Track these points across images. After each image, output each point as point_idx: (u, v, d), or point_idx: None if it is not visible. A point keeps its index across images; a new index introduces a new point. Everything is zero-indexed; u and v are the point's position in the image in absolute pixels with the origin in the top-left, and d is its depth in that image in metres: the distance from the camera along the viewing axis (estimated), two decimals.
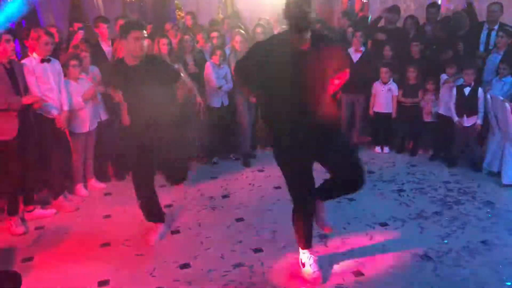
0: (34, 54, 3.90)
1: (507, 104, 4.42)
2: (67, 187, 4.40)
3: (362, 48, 5.46)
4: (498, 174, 4.55)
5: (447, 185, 4.50)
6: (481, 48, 5.38)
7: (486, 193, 4.31)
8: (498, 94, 4.64)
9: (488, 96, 4.68)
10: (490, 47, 5.28)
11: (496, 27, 5.30)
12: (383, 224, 3.71)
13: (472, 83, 4.80)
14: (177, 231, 3.73)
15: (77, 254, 3.42)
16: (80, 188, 4.48)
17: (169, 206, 4.19)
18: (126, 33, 3.15)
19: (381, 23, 6.16)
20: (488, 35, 5.35)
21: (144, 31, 3.22)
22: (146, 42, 3.21)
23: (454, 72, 4.97)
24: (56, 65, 4.06)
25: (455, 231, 3.57)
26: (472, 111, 4.80)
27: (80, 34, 4.98)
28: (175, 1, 7.29)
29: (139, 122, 3.35)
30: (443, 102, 5.06)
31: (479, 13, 5.72)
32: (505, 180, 4.41)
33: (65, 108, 4.06)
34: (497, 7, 5.33)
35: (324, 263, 3.12)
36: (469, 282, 2.89)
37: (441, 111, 5.09)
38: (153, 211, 3.59)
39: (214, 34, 5.39)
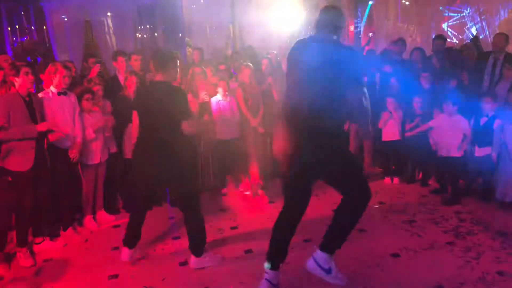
0: (52, 87, 4.03)
1: None
2: (76, 219, 4.41)
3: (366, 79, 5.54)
4: (511, 204, 4.47)
5: (459, 215, 4.43)
6: (487, 78, 5.43)
7: (500, 223, 4.22)
8: (509, 122, 4.63)
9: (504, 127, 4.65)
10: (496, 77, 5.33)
11: (501, 57, 5.36)
12: (395, 255, 3.64)
13: (491, 113, 4.76)
14: (185, 263, 3.69)
15: (85, 286, 3.39)
16: (89, 220, 4.48)
17: (177, 238, 4.16)
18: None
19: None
20: (494, 65, 5.40)
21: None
22: None
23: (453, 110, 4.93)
24: (72, 98, 4.18)
25: (470, 262, 3.49)
26: (485, 142, 4.75)
27: (97, 68, 5.16)
28: (186, 38, 7.51)
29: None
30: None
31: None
32: (498, 195, 4.34)
33: (79, 140, 4.14)
34: (502, 38, 5.42)
35: None
36: None
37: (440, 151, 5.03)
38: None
39: (222, 66, 5.52)
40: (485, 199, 4.77)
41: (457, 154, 4.89)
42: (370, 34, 8.20)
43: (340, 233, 3.03)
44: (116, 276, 3.52)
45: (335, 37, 2.83)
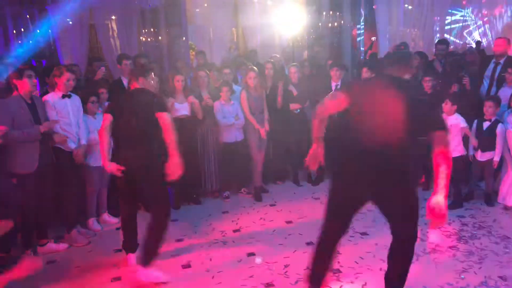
0: (56, 91, 4.06)
1: None
2: (80, 221, 4.43)
3: None
4: None
5: (461, 219, 4.44)
6: (487, 82, 5.43)
7: (502, 227, 4.22)
8: (510, 127, 4.64)
9: (506, 131, 4.65)
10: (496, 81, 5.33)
11: (502, 61, 5.36)
12: None
13: (493, 117, 4.76)
14: (188, 266, 3.71)
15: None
16: (93, 222, 4.51)
17: (180, 240, 4.18)
18: (147, 75, 3.51)
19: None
20: (495, 69, 5.41)
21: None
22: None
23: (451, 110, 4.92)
24: (76, 100, 4.21)
25: (472, 266, 3.49)
26: (488, 146, 4.75)
27: (102, 70, 5.21)
28: (189, 41, 7.56)
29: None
30: None
31: None
32: (500, 200, 4.34)
33: (83, 142, 4.17)
34: (503, 42, 5.42)
35: None
36: None
37: None
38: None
39: (226, 70, 5.55)
40: (488, 203, 4.77)
41: (456, 154, 4.89)
42: (373, 38, 8.22)
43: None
44: (119, 278, 3.53)
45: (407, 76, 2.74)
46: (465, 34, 7.79)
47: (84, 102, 4.35)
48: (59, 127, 4.00)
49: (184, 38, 7.09)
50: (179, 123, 4.94)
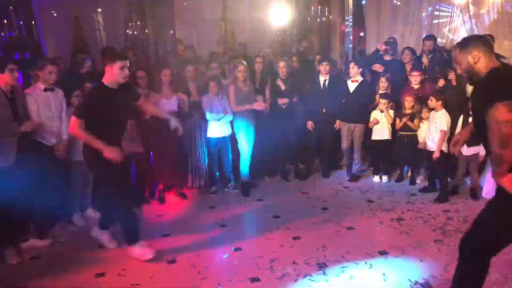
0: (39, 84, 3.98)
1: None
2: (64, 217, 4.36)
3: (359, 78, 5.55)
4: None
5: (447, 213, 4.47)
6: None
7: None
8: None
9: None
10: None
11: None
12: (383, 253, 3.65)
13: None
14: (174, 261, 3.67)
15: (72, 284, 3.35)
16: (77, 217, 4.44)
17: (167, 235, 4.14)
18: (112, 62, 3.40)
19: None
20: None
21: (127, 61, 3.51)
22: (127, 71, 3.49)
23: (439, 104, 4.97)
24: (59, 94, 4.12)
25: (456, 260, 3.51)
26: (473, 141, 4.79)
27: (88, 64, 5.11)
28: (177, 35, 7.47)
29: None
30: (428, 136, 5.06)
31: None
32: (485, 194, 4.41)
33: (64, 137, 4.09)
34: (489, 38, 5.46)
35: None
36: None
37: (428, 147, 5.07)
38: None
39: (214, 65, 5.50)
40: (473, 198, 4.82)
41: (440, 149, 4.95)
42: (362, 34, 8.23)
43: None
44: (103, 274, 3.49)
45: None
46: (450, 31, 7.82)
47: (68, 96, 4.27)
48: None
49: (171, 31, 7.01)
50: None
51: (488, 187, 4.75)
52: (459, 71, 2.47)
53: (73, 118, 3.39)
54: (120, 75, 3.40)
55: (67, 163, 4.24)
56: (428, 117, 5.14)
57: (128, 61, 3.50)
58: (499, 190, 2.34)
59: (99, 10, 6.63)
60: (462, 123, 4.89)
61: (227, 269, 3.49)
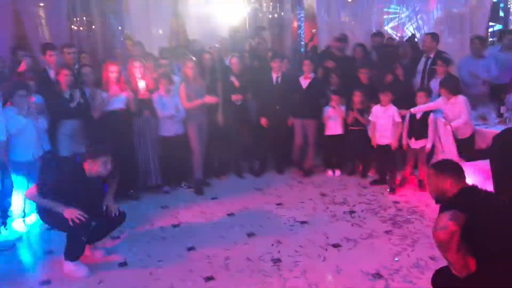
0: None
1: (448, 127, 4.66)
2: (4, 223, 4.10)
3: (312, 75, 5.60)
4: None
5: (396, 205, 4.60)
6: (419, 76, 5.67)
7: (434, 211, 4.41)
8: (440, 116, 4.87)
9: (437, 120, 4.87)
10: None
11: (432, 55, 5.62)
12: (336, 245, 3.70)
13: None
14: (125, 264, 3.55)
15: None
16: (19, 223, 4.19)
17: (117, 237, 3.99)
18: (96, 157, 3.34)
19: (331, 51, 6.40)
20: (426, 63, 5.66)
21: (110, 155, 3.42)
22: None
23: (388, 99, 5.12)
24: None
25: (406, 249, 3.62)
26: (421, 134, 4.96)
27: (26, 61, 4.82)
28: (125, 31, 7.22)
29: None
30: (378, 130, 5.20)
31: None
32: None
33: (2, 138, 3.84)
34: (430, 37, 5.70)
35: (277, 287, 3.07)
36: None
37: (378, 141, 5.22)
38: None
39: (164, 61, 5.37)
40: (421, 189, 4.99)
41: (387, 141, 5.09)
42: (313, 30, 8.32)
43: None
44: (48, 282, 3.31)
45: None
46: (398, 27, 8.09)
47: (9, 95, 4.02)
48: None
49: (120, 27, 6.76)
50: (114, 117, 4.74)
51: None
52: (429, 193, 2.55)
53: (34, 186, 3.35)
54: (103, 170, 3.38)
55: (4, 165, 3.98)
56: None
57: (111, 157, 3.42)
58: None
59: (41, 4, 6.27)
60: (410, 118, 5.05)
61: (180, 269, 3.41)
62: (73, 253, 3.38)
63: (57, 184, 3.30)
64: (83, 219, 3.24)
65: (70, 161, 3.56)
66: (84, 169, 3.37)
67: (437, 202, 2.49)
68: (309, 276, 3.22)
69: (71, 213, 3.23)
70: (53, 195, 3.28)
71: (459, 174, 2.44)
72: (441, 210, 2.31)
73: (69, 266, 3.39)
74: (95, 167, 3.36)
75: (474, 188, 2.44)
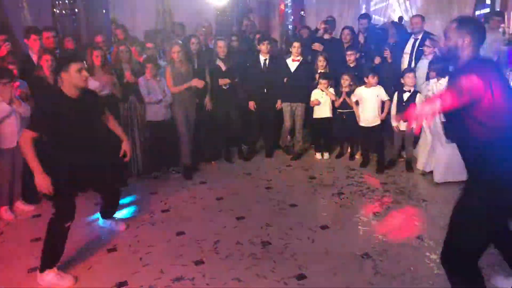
0: None
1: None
2: None
3: (300, 58, 5.56)
4: (430, 173, 4.77)
5: (384, 186, 4.65)
6: (406, 56, 5.68)
7: (420, 192, 4.49)
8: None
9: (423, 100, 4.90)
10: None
11: (419, 36, 5.62)
12: (324, 227, 3.73)
13: (412, 89, 5.00)
14: (114, 249, 3.53)
15: (3, 281, 3.12)
16: (4, 211, 4.13)
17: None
18: (67, 66, 3.02)
19: (319, 34, 6.36)
20: (414, 44, 5.66)
21: (84, 62, 3.15)
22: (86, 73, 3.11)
23: (376, 81, 5.13)
24: None
25: (393, 229, 3.67)
26: None
27: (7, 46, 4.70)
28: (111, 14, 7.07)
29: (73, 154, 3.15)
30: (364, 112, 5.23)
31: None
32: (436, 178, 4.62)
33: None
34: (418, 19, 5.70)
35: (267, 269, 3.09)
36: (406, 276, 2.96)
37: (361, 123, 5.25)
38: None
39: (150, 44, 5.27)
40: (408, 170, 5.04)
41: (377, 123, 5.11)
42: (302, 13, 8.26)
43: None
44: (35, 269, 3.28)
45: None
46: (386, 10, 8.08)
47: None
48: None
49: (104, 10, 6.61)
50: (101, 102, 4.65)
51: (422, 159, 4.99)
52: (441, 44, 2.31)
53: (25, 130, 3.02)
54: (79, 81, 3.03)
55: None
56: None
57: (85, 62, 3.17)
58: (467, 190, 2.26)
59: None
60: (397, 100, 5.07)
61: (169, 253, 3.41)
62: (52, 252, 3.11)
63: (48, 118, 3.02)
64: (50, 192, 3.00)
65: (50, 89, 3.30)
66: (62, 91, 3.07)
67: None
68: (299, 258, 3.25)
69: (41, 182, 2.95)
70: (51, 135, 3.07)
71: (480, 36, 2.23)
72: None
73: (47, 278, 3.06)
74: (71, 81, 3.01)
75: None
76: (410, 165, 5.08)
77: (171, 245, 3.56)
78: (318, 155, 5.69)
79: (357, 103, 5.30)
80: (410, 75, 4.98)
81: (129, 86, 4.89)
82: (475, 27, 2.23)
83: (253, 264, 3.20)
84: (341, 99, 5.40)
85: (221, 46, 5.44)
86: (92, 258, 3.39)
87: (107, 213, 3.85)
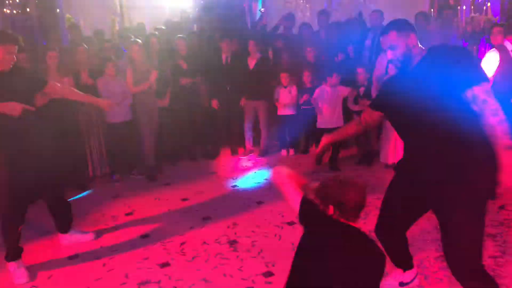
0: None
1: None
2: None
3: (258, 55, 5.55)
4: (393, 165, 4.87)
5: None
6: (368, 51, 5.78)
7: (384, 184, 4.55)
8: None
9: None
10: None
11: (379, 31, 5.73)
12: (291, 223, 3.74)
13: (366, 83, 5.10)
14: (76, 256, 3.40)
15: None
16: None
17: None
18: (4, 43, 2.92)
19: (280, 30, 6.38)
20: (373, 39, 5.77)
21: (17, 46, 3.01)
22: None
23: (336, 81, 5.20)
24: None
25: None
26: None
27: None
28: (67, 15, 6.83)
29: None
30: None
31: None
32: (382, 159, 4.90)
33: None
34: (377, 14, 5.82)
35: (234, 268, 3.07)
36: None
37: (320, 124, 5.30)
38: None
39: (107, 44, 5.13)
40: (371, 163, 5.14)
41: (335, 125, 5.17)
42: (262, 10, 8.25)
43: None
44: None
45: None
46: (346, 5, 8.22)
47: None
48: None
49: (58, 10, 6.37)
50: (57, 105, 4.48)
51: (384, 152, 5.09)
52: (390, 57, 2.24)
53: None
54: (6, 61, 2.94)
55: None
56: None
57: (16, 45, 2.99)
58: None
59: None
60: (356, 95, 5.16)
61: (134, 257, 3.32)
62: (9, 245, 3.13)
63: None
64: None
65: None
66: None
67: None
68: (266, 255, 3.24)
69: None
70: None
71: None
72: None
73: (10, 268, 3.13)
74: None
75: None
76: (372, 158, 5.17)
77: (136, 248, 3.47)
78: (283, 151, 5.71)
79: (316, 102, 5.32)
80: (362, 70, 5.10)
81: (86, 87, 4.72)
82: (408, 23, 2.27)
83: (220, 264, 3.17)
84: (304, 98, 5.43)
85: (181, 45, 5.36)
86: (53, 266, 3.26)
87: (64, 226, 3.57)
